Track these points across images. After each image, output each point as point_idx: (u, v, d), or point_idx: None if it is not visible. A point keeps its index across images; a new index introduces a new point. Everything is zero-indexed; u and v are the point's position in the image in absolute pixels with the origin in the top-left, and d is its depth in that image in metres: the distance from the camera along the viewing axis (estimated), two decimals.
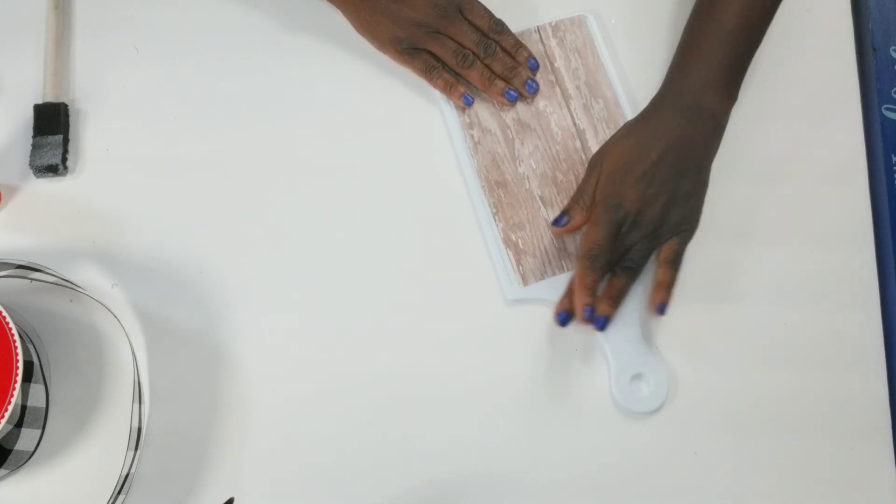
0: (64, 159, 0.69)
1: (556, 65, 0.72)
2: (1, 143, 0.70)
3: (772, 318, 0.68)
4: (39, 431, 0.63)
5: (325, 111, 0.71)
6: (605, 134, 0.70)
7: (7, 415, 0.55)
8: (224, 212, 0.69)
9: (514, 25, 0.71)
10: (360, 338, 0.67)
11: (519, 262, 0.67)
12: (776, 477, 0.65)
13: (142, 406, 0.63)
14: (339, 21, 0.72)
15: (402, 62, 0.70)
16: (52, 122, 0.69)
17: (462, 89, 0.69)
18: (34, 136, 0.69)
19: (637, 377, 0.65)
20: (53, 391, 0.64)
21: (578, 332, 0.66)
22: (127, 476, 0.60)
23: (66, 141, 0.69)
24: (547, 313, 0.66)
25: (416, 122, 0.71)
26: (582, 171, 0.68)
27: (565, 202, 0.68)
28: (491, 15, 0.69)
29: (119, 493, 0.60)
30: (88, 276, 0.67)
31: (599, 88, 0.71)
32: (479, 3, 0.69)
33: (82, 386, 0.65)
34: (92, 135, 0.70)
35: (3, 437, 0.59)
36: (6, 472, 0.61)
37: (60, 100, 0.70)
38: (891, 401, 0.66)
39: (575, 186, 0.68)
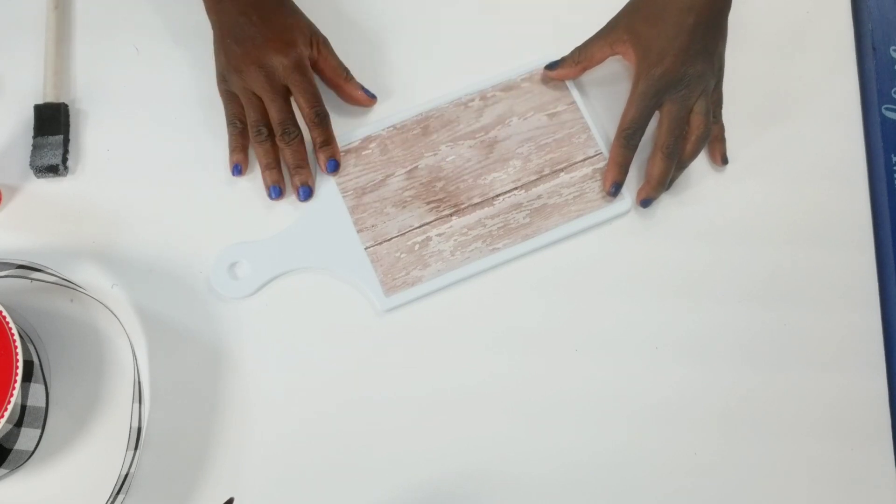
0: (64, 159, 0.69)
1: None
2: (1, 143, 0.70)
3: (772, 317, 0.68)
4: (39, 431, 0.63)
5: None
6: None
7: (7, 414, 0.55)
8: (224, 211, 0.69)
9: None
10: (359, 338, 0.67)
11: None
12: (776, 477, 0.65)
13: (142, 406, 0.63)
14: (339, 22, 0.72)
15: (221, 96, 0.69)
16: (52, 122, 0.69)
17: (238, 157, 0.68)
18: (34, 137, 0.69)
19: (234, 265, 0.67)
20: (53, 391, 0.64)
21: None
22: (126, 476, 0.60)
23: (66, 141, 0.69)
24: None
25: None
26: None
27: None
28: (315, 103, 0.66)
29: (119, 492, 0.60)
30: (88, 276, 0.67)
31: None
32: (308, 87, 0.66)
33: (82, 386, 0.65)
34: (92, 135, 0.71)
35: (3, 437, 0.59)
36: (6, 471, 0.62)
37: (60, 100, 0.70)
38: (891, 401, 0.66)
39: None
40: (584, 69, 0.70)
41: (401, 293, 0.67)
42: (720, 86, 0.69)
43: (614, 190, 0.67)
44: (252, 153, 0.69)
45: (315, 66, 0.68)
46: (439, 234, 0.68)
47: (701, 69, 0.65)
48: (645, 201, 0.68)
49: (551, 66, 0.70)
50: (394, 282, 0.67)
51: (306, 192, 0.67)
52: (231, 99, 0.68)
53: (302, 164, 0.67)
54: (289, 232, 0.68)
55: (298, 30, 0.67)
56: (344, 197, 0.68)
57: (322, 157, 0.68)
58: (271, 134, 0.67)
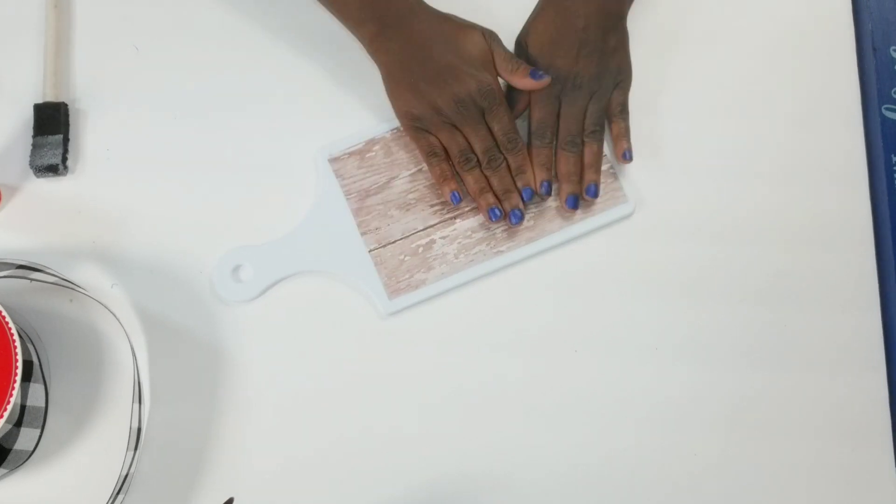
0: (64, 159, 0.69)
1: None
2: (1, 143, 0.70)
3: (772, 318, 0.68)
4: (39, 431, 0.63)
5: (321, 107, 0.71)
6: None
7: (6, 414, 0.55)
8: (224, 211, 0.69)
9: None
10: (362, 341, 0.67)
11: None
12: (776, 478, 0.65)
13: (142, 406, 0.63)
14: (341, 26, 0.72)
15: (410, 136, 0.68)
16: (52, 121, 0.69)
17: (454, 185, 0.67)
18: (34, 136, 0.69)
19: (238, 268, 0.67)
20: (53, 391, 0.64)
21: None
22: (126, 476, 0.60)
23: (66, 141, 0.69)
24: None
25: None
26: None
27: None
28: (510, 129, 0.67)
29: (118, 493, 0.60)
30: (88, 276, 0.67)
31: None
32: (505, 114, 0.67)
33: (82, 386, 0.64)
34: (92, 135, 0.70)
35: (3, 437, 0.59)
36: (5, 471, 0.61)
37: (60, 99, 0.70)
38: (891, 401, 0.66)
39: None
40: (525, 73, 0.67)
41: (404, 296, 0.66)
42: (624, 87, 0.69)
43: (545, 188, 0.67)
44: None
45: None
46: (443, 237, 0.68)
47: (595, 71, 0.67)
48: (567, 200, 0.68)
49: (540, 77, 0.67)
50: (397, 285, 0.67)
51: (518, 217, 0.67)
52: (421, 135, 0.67)
53: (510, 189, 0.67)
54: (292, 235, 0.68)
55: (473, 45, 0.67)
56: (348, 199, 0.68)
57: (519, 184, 0.67)
58: (478, 161, 0.67)
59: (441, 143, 0.67)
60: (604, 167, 0.69)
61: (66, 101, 0.71)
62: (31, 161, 0.68)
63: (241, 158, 0.70)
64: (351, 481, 0.64)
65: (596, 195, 0.68)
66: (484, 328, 0.67)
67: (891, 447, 0.65)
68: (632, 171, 0.70)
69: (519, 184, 0.67)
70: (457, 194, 0.67)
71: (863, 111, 0.73)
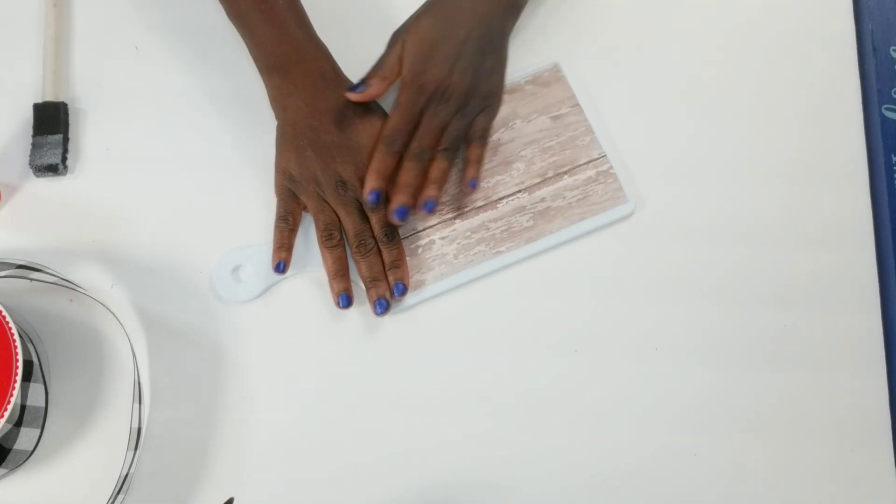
0: (64, 159, 0.69)
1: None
2: (1, 143, 0.70)
3: (771, 318, 0.68)
4: (39, 431, 0.63)
5: None
6: None
7: (7, 414, 0.55)
8: (224, 211, 0.69)
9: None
10: (362, 341, 0.67)
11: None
12: (776, 478, 0.65)
13: (142, 406, 0.63)
14: (338, 23, 0.72)
15: (276, 192, 0.66)
16: (51, 121, 0.69)
17: (282, 255, 0.65)
18: (34, 136, 0.69)
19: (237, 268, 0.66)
20: (53, 391, 0.64)
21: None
22: (126, 476, 0.60)
23: (65, 140, 0.69)
24: None
25: None
26: None
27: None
28: (388, 225, 0.65)
29: (118, 492, 0.60)
30: (88, 276, 0.67)
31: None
32: (383, 212, 0.65)
33: (82, 386, 0.64)
34: (92, 134, 0.70)
35: (3, 437, 0.59)
36: (5, 471, 0.61)
37: (60, 99, 0.70)
38: (891, 402, 0.66)
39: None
40: (391, 82, 0.66)
41: (404, 297, 0.67)
42: (491, 112, 0.67)
43: (374, 197, 0.63)
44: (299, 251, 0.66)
45: None
46: (442, 238, 0.68)
47: (465, 88, 0.64)
48: (396, 211, 0.64)
49: (355, 89, 0.65)
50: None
51: (383, 306, 0.65)
52: (289, 196, 0.66)
53: (378, 277, 0.65)
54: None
55: (371, 134, 0.66)
56: None
57: (391, 278, 0.65)
58: (342, 240, 0.65)
59: (300, 214, 0.66)
60: (604, 167, 0.69)
61: (66, 101, 0.71)
62: (30, 161, 0.68)
63: (242, 158, 0.70)
64: (351, 481, 0.64)
65: (432, 211, 0.65)
66: (483, 328, 0.67)
67: (891, 448, 0.65)
68: (632, 171, 0.70)
69: (392, 277, 0.65)
70: (282, 264, 0.64)
71: (863, 111, 0.73)
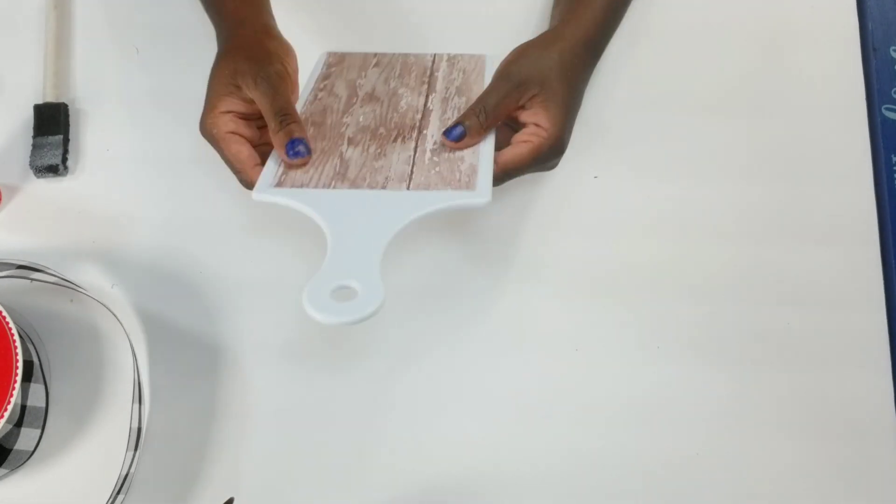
0: (64, 159, 0.69)
1: (435, 74, 0.69)
2: (1, 143, 0.70)
3: (775, 317, 0.68)
4: (39, 431, 0.63)
5: None
6: (452, 115, 0.65)
7: (7, 414, 0.55)
8: (224, 211, 0.69)
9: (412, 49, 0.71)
10: (362, 340, 0.67)
11: (285, 171, 0.60)
12: (779, 477, 0.64)
13: (142, 406, 0.63)
14: (338, 22, 0.72)
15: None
16: (52, 122, 0.69)
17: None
18: (34, 136, 0.69)
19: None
20: (53, 391, 0.64)
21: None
22: (126, 476, 0.60)
23: (66, 141, 0.69)
24: None
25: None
26: (410, 133, 0.63)
27: (375, 147, 0.62)
28: None
29: (118, 493, 0.60)
30: (88, 276, 0.67)
31: (470, 91, 0.68)
32: None
33: (82, 386, 0.65)
34: (92, 135, 0.71)
35: (3, 437, 0.59)
36: (5, 471, 0.61)
37: (60, 100, 0.70)
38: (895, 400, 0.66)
39: (395, 142, 0.63)
40: (490, 130, 0.62)
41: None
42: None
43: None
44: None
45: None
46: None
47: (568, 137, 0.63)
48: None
49: (453, 135, 0.61)
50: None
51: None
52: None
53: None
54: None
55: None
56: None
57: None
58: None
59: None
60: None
61: (66, 102, 0.71)
62: (31, 161, 0.68)
63: None
64: (351, 480, 0.64)
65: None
66: (483, 328, 0.67)
67: None
68: (633, 170, 0.70)
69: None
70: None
71: None
